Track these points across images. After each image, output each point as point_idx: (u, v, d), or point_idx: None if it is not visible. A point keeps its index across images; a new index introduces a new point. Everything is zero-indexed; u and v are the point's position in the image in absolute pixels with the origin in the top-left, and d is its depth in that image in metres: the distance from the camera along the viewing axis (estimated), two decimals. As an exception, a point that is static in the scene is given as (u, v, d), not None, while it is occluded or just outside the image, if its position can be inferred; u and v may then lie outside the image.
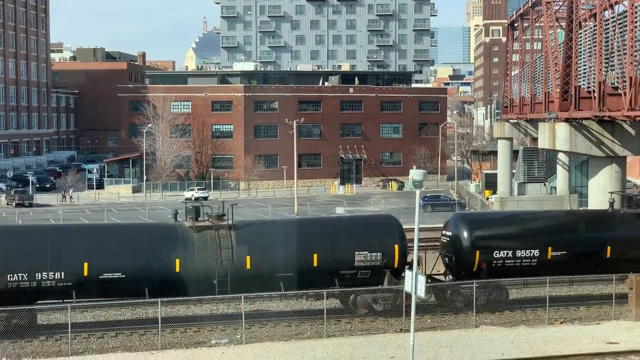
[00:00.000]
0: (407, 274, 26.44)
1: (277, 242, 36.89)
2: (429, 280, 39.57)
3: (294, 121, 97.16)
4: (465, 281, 37.80)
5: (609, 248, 40.48)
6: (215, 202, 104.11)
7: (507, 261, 39.06)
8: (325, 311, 35.01)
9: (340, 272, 36.92)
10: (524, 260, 39.19)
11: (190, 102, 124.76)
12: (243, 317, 33.98)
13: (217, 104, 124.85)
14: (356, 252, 37.11)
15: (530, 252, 39.23)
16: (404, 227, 39.15)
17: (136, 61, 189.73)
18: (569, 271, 39.59)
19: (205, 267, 35.43)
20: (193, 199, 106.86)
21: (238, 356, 31.47)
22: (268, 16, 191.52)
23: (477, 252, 38.76)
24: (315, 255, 36.66)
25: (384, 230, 38.51)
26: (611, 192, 46.86)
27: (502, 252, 38.99)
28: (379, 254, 37.28)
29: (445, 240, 40.38)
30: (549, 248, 39.52)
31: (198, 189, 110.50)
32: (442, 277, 40.99)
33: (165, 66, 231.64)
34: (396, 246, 37.64)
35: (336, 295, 37.97)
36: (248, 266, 35.90)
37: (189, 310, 38.42)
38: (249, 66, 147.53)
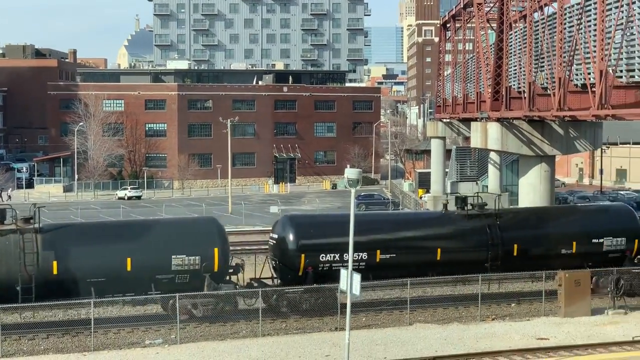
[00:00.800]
0: (343, 272, 26.57)
1: (88, 245, 35.89)
2: (255, 285, 39.10)
3: (228, 120, 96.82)
4: (292, 287, 37.26)
5: (439, 250, 40.12)
6: (148, 201, 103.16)
7: (334, 265, 37.85)
8: (260, 310, 35.01)
9: (156, 277, 35.96)
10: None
11: (123, 101, 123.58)
12: (178, 316, 33.81)
13: (150, 103, 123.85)
14: (173, 256, 36.18)
15: (359, 256, 37.86)
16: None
17: (67, 58, 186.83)
18: (399, 274, 38.62)
19: (7, 273, 34.09)
20: (126, 198, 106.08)
21: (172, 356, 31.31)
22: (202, 14, 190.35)
23: (303, 255, 37.85)
24: (129, 260, 35.59)
25: (203, 233, 37.70)
26: (447, 194, 47.10)
27: (328, 255, 38.06)
28: (197, 257, 36.37)
29: (272, 243, 39.63)
30: (378, 251, 38.77)
31: (131, 188, 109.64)
32: (270, 281, 39.87)
33: (97, 64, 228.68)
34: (216, 250, 36.83)
35: (157, 301, 37.20)
36: (55, 272, 34.60)
37: (122, 311, 38.05)
38: (183, 64, 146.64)
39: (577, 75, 41.79)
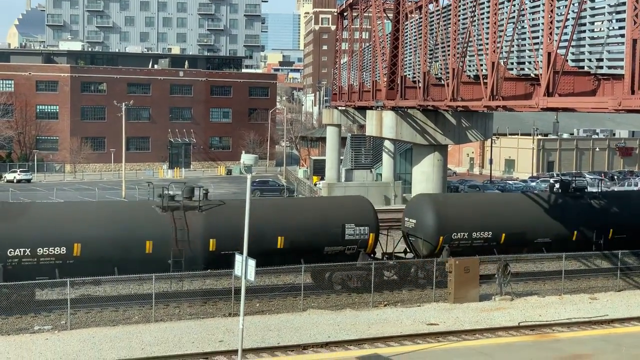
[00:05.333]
0: (238, 257, 26.59)
1: None
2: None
3: (123, 103, 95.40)
4: None
5: None
6: (38, 185, 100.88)
7: None
8: (153, 295, 34.71)
9: None
10: None
11: (12, 81, 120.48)
12: (68, 302, 33.21)
13: (42, 84, 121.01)
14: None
15: None
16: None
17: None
18: None
19: None
20: (15, 181, 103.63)
21: (62, 342, 30.77)
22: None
23: None
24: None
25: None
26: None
27: None
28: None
29: None
30: None
31: (21, 171, 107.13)
32: None
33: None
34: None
35: None
36: None
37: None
38: (76, 46, 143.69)
39: (470, 66, 42.65)
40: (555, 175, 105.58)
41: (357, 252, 40.20)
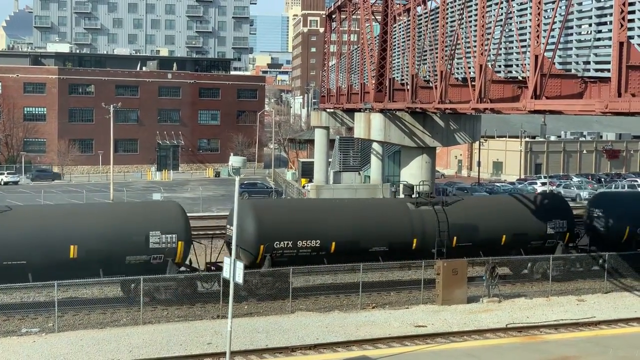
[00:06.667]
0: (226, 260, 26.60)
1: None
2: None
3: (111, 106, 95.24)
4: None
5: None
6: (26, 187, 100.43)
7: None
8: (142, 298, 34.66)
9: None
10: None
11: (0, 83, 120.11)
12: (56, 304, 33.13)
13: (29, 86, 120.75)
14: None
15: None
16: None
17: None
18: None
19: None
20: (2, 183, 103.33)
21: (50, 345, 30.69)
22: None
23: None
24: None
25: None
26: None
27: None
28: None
29: None
30: None
31: (8, 174, 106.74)
32: None
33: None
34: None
35: None
36: None
37: (-3, 299, 37.07)
38: (64, 48, 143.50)
39: (458, 69, 42.72)
40: (542, 177, 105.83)
41: (165, 261, 37.00)
